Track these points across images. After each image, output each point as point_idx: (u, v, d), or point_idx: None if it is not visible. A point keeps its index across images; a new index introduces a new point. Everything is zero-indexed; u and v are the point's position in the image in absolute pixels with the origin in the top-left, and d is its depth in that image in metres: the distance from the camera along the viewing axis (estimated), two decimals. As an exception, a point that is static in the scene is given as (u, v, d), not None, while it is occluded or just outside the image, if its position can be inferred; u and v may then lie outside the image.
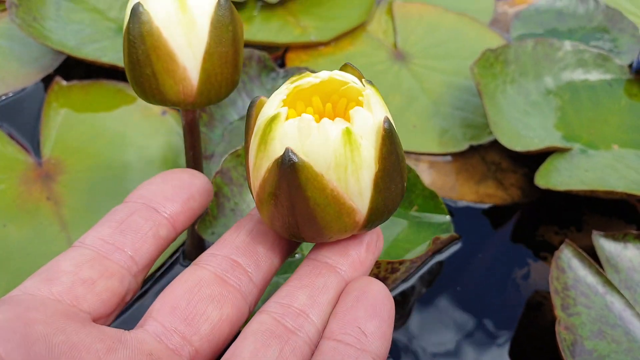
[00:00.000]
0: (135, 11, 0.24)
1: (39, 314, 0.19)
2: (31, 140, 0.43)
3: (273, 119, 0.20)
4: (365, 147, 0.20)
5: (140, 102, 0.46)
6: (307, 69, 0.46)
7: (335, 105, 0.23)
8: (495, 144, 0.44)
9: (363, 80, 0.22)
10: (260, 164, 0.21)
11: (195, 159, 0.32)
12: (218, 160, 0.41)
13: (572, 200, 0.40)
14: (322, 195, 0.20)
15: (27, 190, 0.39)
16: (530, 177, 0.42)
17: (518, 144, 0.41)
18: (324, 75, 0.22)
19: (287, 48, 0.52)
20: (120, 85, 0.47)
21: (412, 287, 0.36)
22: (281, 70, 0.46)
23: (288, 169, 0.20)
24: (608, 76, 0.49)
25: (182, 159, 0.42)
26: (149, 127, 0.45)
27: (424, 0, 0.58)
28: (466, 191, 0.41)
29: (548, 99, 0.47)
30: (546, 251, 0.38)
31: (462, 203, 0.41)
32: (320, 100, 0.23)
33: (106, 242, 0.22)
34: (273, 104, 0.21)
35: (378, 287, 0.22)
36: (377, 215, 0.22)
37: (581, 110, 0.47)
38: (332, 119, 0.22)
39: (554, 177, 0.40)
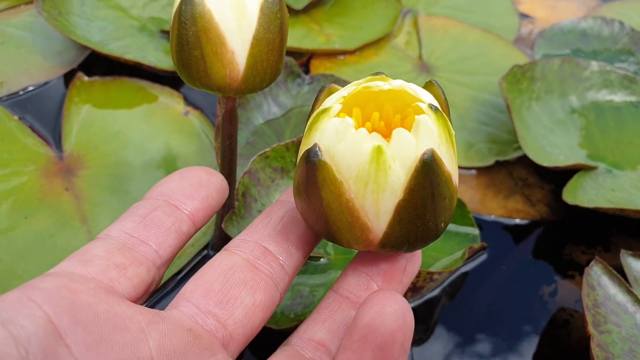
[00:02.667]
0: None
1: (82, 286, 0.19)
2: (52, 134, 0.42)
3: (323, 111, 0.20)
4: (396, 171, 0.19)
5: (162, 100, 0.46)
6: (332, 76, 0.46)
7: (405, 119, 0.21)
8: (521, 160, 0.44)
9: (427, 104, 0.20)
10: (302, 150, 0.21)
11: (231, 149, 0.31)
12: (242, 162, 0.40)
13: (599, 219, 0.40)
14: (336, 201, 0.20)
15: (48, 184, 0.39)
16: (557, 194, 0.42)
17: (545, 160, 0.41)
18: (395, 84, 0.21)
19: (311, 55, 0.51)
20: (143, 83, 0.47)
21: (438, 298, 0.35)
22: (307, 77, 0.46)
23: (309, 164, 0.20)
24: (634, 98, 0.49)
25: (205, 158, 0.42)
26: (171, 127, 0.44)
27: (448, 15, 0.58)
28: (494, 206, 0.41)
29: (573, 118, 0.47)
30: (574, 270, 0.37)
31: (491, 218, 0.40)
32: (392, 109, 0.22)
33: (131, 236, 0.22)
34: (334, 97, 0.21)
35: (390, 319, 0.19)
36: (394, 242, 0.21)
37: (606, 130, 0.47)
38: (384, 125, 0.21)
39: (581, 195, 0.40)
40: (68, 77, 0.47)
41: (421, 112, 0.20)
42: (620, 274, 0.34)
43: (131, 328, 0.19)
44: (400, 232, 0.20)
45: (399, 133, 0.19)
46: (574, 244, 0.39)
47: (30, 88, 0.46)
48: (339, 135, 0.19)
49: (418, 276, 0.30)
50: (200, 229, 0.25)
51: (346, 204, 0.20)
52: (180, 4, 0.25)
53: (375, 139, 0.19)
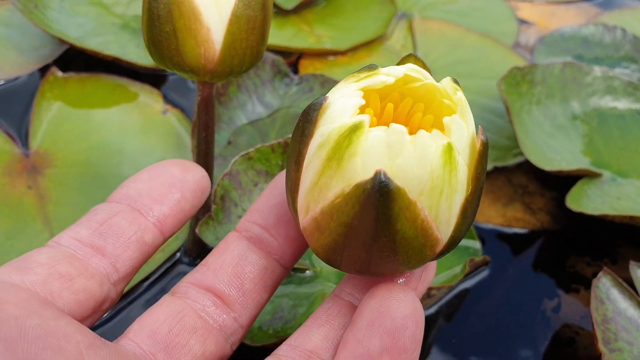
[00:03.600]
0: None
1: (10, 296, 0.16)
2: (19, 131, 0.40)
3: (354, 129, 0.16)
4: (461, 165, 0.17)
5: (141, 99, 0.43)
6: (322, 77, 0.43)
7: (397, 107, 0.19)
8: (521, 166, 0.41)
9: (449, 78, 0.18)
10: (328, 184, 0.17)
11: (207, 141, 0.28)
12: (222, 163, 0.38)
13: (604, 229, 0.37)
14: (412, 227, 0.17)
15: (11, 183, 0.36)
16: (558, 202, 0.39)
17: (547, 164, 0.39)
18: (397, 72, 0.18)
19: (300, 55, 0.49)
20: (121, 80, 0.44)
21: (436, 314, 0.32)
22: (295, 77, 0.44)
23: (380, 197, 0.16)
24: (638, 105, 0.46)
25: (182, 158, 0.39)
26: (148, 125, 0.41)
27: (445, 19, 0.56)
28: (493, 214, 0.38)
29: (575, 124, 0.45)
30: (578, 283, 0.35)
31: (489, 226, 0.37)
32: (378, 98, 0.19)
33: (84, 245, 0.19)
34: (346, 109, 0.17)
35: (399, 304, 0.17)
36: (453, 244, 0.18)
37: (610, 138, 0.44)
38: (393, 122, 0.18)
39: (585, 203, 0.37)
40: (43, 73, 0.44)
41: (431, 90, 0.18)
42: (629, 286, 0.31)
43: (67, 349, 0.16)
44: (463, 230, 0.18)
45: (454, 121, 0.17)
46: (578, 255, 0.36)
47: (1, 82, 0.43)
48: (395, 149, 0.16)
49: None
50: (169, 238, 0.22)
51: (421, 226, 0.17)
52: None
53: (438, 138, 0.16)
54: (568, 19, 0.59)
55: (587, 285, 0.34)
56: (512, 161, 0.42)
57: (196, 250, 0.34)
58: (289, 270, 0.22)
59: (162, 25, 0.23)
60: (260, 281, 0.21)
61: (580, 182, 0.38)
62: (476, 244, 0.34)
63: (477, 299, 0.33)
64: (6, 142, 0.38)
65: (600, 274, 0.31)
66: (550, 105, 0.45)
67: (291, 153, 0.19)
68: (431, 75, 0.19)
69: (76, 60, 0.46)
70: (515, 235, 0.37)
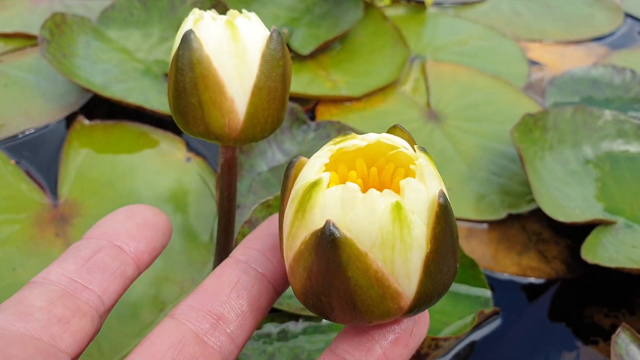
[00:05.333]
0: (187, 37, 0.23)
1: (19, 351, 0.17)
2: (48, 179, 0.41)
3: (314, 185, 0.18)
4: (417, 224, 0.18)
5: (163, 146, 0.45)
6: (339, 123, 0.45)
7: (382, 171, 0.20)
8: (534, 213, 0.42)
9: (415, 146, 0.20)
10: (297, 234, 0.19)
11: (230, 200, 0.29)
12: (245, 212, 0.39)
13: (621, 278, 0.38)
14: (364, 276, 0.18)
15: (40, 233, 0.37)
16: (573, 250, 0.40)
17: (561, 214, 0.39)
18: (371, 137, 0.20)
19: (317, 101, 0.50)
20: (144, 127, 0.46)
21: (452, 365, 0.33)
22: (312, 123, 0.45)
23: (328, 245, 0.17)
24: (649, 149, 0.47)
25: (206, 207, 0.40)
26: (171, 173, 0.43)
27: (456, 61, 0.57)
28: (507, 263, 0.39)
29: (587, 169, 0.46)
30: (597, 335, 0.35)
31: (505, 276, 0.38)
32: (364, 163, 0.20)
33: (73, 280, 0.21)
34: (314, 167, 0.19)
35: None
36: (424, 300, 0.19)
37: (622, 182, 0.45)
38: (378, 185, 0.20)
39: (600, 252, 0.38)
40: (69, 121, 0.46)
41: (407, 157, 0.19)
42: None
43: None
44: (430, 286, 0.19)
45: (408, 182, 0.18)
46: (595, 305, 0.37)
47: (30, 131, 0.45)
48: (347, 205, 0.18)
49: (422, 342, 0.28)
50: (143, 272, 0.23)
51: (375, 276, 0.18)
52: (178, 49, 0.23)
53: (388, 197, 0.18)
54: (578, 60, 0.61)
55: (606, 336, 0.35)
56: (525, 208, 0.42)
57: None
58: (280, 295, 0.23)
59: (188, 97, 0.24)
60: (256, 302, 0.22)
61: (595, 230, 0.39)
62: (487, 293, 0.35)
63: (491, 350, 0.34)
64: (36, 192, 0.39)
65: (620, 329, 0.31)
66: (563, 150, 0.46)
67: (280, 208, 0.21)
68: (414, 143, 0.20)
69: (101, 106, 0.47)
70: (531, 285, 0.38)
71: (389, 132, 0.21)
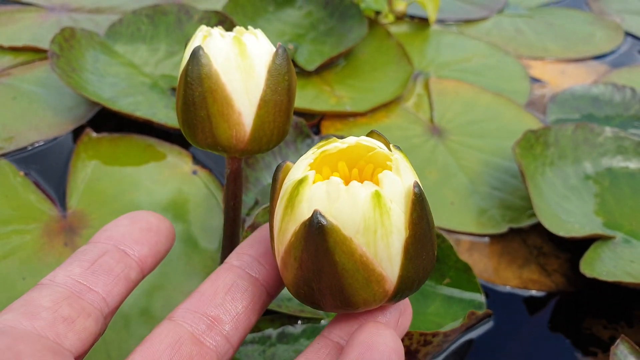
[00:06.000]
0: (196, 53, 0.24)
1: (27, 347, 0.18)
2: (57, 190, 0.42)
3: (300, 181, 0.20)
4: (395, 211, 0.20)
5: (171, 160, 0.45)
6: (342, 137, 0.45)
7: (362, 171, 0.22)
8: (535, 228, 0.42)
9: (391, 145, 0.21)
10: (287, 228, 0.21)
11: (235, 209, 0.30)
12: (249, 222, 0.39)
13: (620, 290, 0.38)
14: (350, 260, 0.20)
15: (49, 242, 0.38)
16: (573, 263, 0.40)
17: (561, 229, 0.40)
18: (350, 140, 0.22)
19: (322, 116, 0.51)
20: (151, 140, 0.46)
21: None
22: (316, 137, 0.46)
23: (316, 232, 0.19)
24: (649, 165, 0.48)
25: (213, 219, 0.41)
26: (178, 186, 0.43)
27: (459, 78, 0.58)
28: (509, 276, 0.39)
29: (587, 185, 0.46)
30: (595, 346, 0.35)
31: (506, 289, 0.38)
32: (346, 165, 0.22)
33: (78, 282, 0.21)
34: (300, 168, 0.21)
35: (385, 339, 0.20)
36: (407, 284, 0.21)
37: (622, 198, 0.46)
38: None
39: (599, 267, 0.38)
40: (77, 133, 0.46)
41: (385, 157, 0.21)
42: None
43: None
44: (412, 270, 0.20)
45: (385, 175, 0.20)
46: (594, 318, 0.37)
47: (40, 143, 0.45)
48: (332, 196, 0.19)
49: (411, 338, 0.29)
50: (147, 275, 0.24)
51: (360, 260, 0.20)
52: (187, 64, 0.24)
53: (368, 187, 0.19)
54: (578, 77, 0.61)
55: (605, 348, 0.35)
56: (526, 222, 0.43)
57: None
58: (273, 298, 0.25)
59: (196, 110, 0.25)
60: (250, 304, 0.23)
61: (594, 245, 0.40)
62: (480, 297, 0.35)
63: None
64: (45, 203, 0.40)
65: (618, 341, 0.31)
66: (563, 166, 0.47)
67: (269, 211, 0.23)
68: (389, 144, 0.22)
69: (109, 119, 0.48)
70: (531, 297, 0.38)
71: (368, 136, 0.23)
